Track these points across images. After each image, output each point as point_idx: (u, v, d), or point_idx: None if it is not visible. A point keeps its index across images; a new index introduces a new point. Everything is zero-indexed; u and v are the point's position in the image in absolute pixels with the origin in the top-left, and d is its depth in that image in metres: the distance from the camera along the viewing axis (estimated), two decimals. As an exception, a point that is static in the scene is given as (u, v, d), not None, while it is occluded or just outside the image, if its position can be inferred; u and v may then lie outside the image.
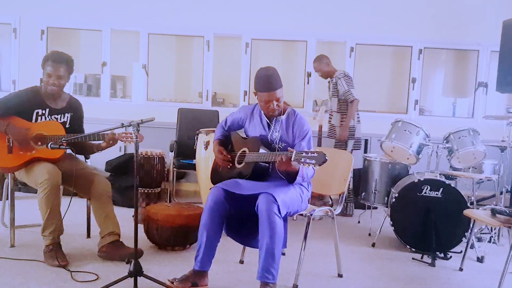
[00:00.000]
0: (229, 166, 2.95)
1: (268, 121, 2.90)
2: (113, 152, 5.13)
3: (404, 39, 5.62)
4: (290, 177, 2.69)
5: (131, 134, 3.02)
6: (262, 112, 2.91)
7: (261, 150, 2.76)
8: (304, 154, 2.40)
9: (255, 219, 2.60)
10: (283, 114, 2.88)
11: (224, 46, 5.96)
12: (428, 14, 5.51)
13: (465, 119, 5.70)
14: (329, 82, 5.00)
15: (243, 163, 2.84)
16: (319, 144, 5.11)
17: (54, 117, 3.21)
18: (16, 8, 5.67)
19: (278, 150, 2.83)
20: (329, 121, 5.02)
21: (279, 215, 2.54)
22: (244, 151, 2.88)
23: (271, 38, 5.80)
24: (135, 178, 2.65)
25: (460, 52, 5.95)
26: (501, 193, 4.20)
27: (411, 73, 5.67)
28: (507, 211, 2.97)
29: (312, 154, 2.37)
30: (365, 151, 5.41)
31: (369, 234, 4.16)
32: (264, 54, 5.97)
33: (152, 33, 5.71)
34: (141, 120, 2.62)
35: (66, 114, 3.27)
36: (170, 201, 4.77)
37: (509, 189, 4.43)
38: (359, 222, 4.66)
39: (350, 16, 5.57)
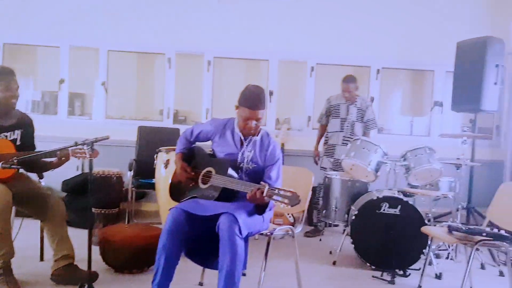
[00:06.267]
0: (191, 185, 2.89)
1: (242, 139, 2.85)
2: (70, 172, 4.99)
3: (362, 60, 5.75)
4: (259, 210, 2.66)
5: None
6: (237, 128, 2.85)
7: (229, 172, 2.70)
8: (277, 191, 2.38)
9: (215, 240, 2.54)
10: (257, 135, 2.85)
11: (186, 64, 5.93)
12: (385, 35, 5.65)
13: (422, 137, 5.85)
14: (338, 104, 4.89)
15: (208, 184, 2.79)
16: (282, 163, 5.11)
17: (4, 135, 3.08)
18: (-31, 23, 5.49)
19: (246, 171, 2.79)
20: (347, 144, 4.67)
21: (240, 236, 2.49)
22: (210, 172, 2.82)
23: (233, 56, 5.81)
24: (89, 197, 2.58)
25: (417, 72, 6.14)
26: (457, 209, 4.30)
27: (369, 92, 5.79)
28: (463, 228, 3.02)
29: (286, 194, 2.35)
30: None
31: (330, 252, 4.17)
32: (227, 72, 5.98)
33: (112, 50, 5.63)
34: (95, 138, 2.56)
35: (16, 131, 3.14)
36: (129, 222, 4.65)
37: (465, 206, 4.55)
38: (320, 240, 4.66)
39: (311, 37, 5.65)
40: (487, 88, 4.52)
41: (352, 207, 4.00)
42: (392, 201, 3.69)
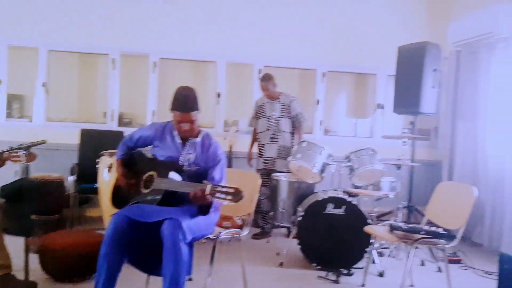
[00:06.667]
0: (133, 190, 2.82)
1: (182, 142, 2.82)
2: (8, 177, 4.75)
3: (308, 63, 5.85)
4: (202, 210, 2.61)
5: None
6: (176, 131, 2.82)
7: (171, 175, 2.65)
8: (219, 188, 2.34)
9: (159, 246, 2.49)
10: (197, 137, 2.83)
11: (131, 65, 5.79)
12: (330, 39, 5.78)
13: (366, 138, 6.02)
14: (263, 104, 4.96)
15: (150, 188, 2.73)
16: (230, 165, 5.10)
17: None
18: None
19: (189, 173, 2.75)
20: (274, 141, 4.87)
21: (184, 241, 2.46)
22: (152, 175, 2.77)
23: (180, 57, 5.75)
24: (27, 203, 2.47)
25: (360, 75, 6.32)
26: (398, 208, 4.45)
27: (316, 95, 5.89)
28: (403, 227, 3.13)
29: (229, 190, 2.31)
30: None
31: (278, 254, 4.20)
32: (173, 73, 5.90)
33: (52, 50, 5.43)
34: (32, 142, 2.46)
35: None
36: (72, 228, 4.49)
37: (406, 205, 4.71)
38: (268, 242, 4.69)
39: (258, 39, 5.69)
40: (426, 92, 4.70)
41: (299, 209, 4.05)
42: (337, 202, 3.77)
